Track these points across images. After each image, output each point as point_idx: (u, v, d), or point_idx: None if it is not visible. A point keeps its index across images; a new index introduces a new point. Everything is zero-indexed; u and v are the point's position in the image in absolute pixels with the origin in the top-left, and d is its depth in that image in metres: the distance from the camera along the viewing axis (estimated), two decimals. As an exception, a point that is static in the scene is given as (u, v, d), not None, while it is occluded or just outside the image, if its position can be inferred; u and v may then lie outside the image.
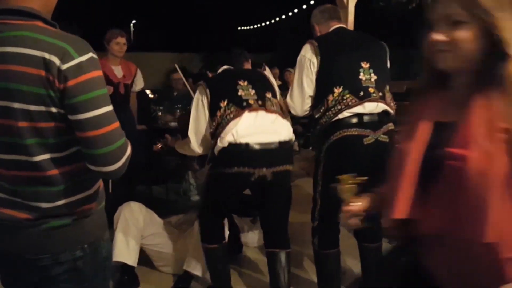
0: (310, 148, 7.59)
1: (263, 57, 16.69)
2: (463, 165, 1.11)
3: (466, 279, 1.19)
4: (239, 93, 2.68)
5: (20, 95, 1.28)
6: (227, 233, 3.02)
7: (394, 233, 1.36)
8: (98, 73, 1.34)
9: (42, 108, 1.29)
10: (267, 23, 24.03)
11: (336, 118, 2.55)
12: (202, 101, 2.70)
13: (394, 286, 1.46)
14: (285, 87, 8.16)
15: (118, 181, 3.95)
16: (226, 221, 3.04)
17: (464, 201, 1.13)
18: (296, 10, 21.18)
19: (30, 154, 1.32)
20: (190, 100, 5.93)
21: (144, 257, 3.27)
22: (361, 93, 2.54)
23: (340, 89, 2.54)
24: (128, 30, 22.99)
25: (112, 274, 2.92)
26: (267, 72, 4.31)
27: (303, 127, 7.67)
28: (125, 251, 2.99)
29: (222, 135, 2.59)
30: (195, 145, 2.78)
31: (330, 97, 2.56)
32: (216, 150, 2.61)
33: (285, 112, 2.82)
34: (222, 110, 2.63)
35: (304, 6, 20.05)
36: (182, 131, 3.23)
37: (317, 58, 2.57)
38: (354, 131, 2.54)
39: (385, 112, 2.62)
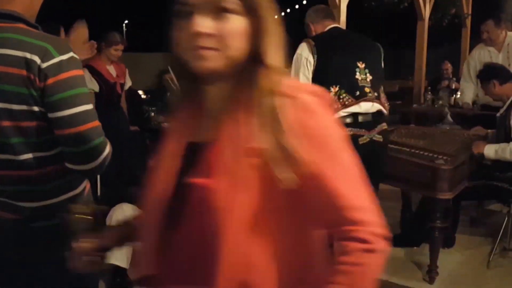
0: None
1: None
2: (205, 198, 0.87)
3: None
4: None
5: (2, 95, 1.29)
6: None
7: None
8: (79, 72, 1.36)
9: (24, 107, 1.31)
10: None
11: None
12: None
13: None
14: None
15: (109, 183, 3.94)
16: None
17: (203, 243, 0.89)
18: (288, 10, 21.20)
19: (16, 153, 1.33)
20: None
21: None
22: (357, 93, 2.54)
23: (337, 89, 2.53)
24: (121, 30, 22.90)
25: (104, 276, 2.90)
26: None
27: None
28: (117, 253, 2.96)
29: None
30: None
31: None
32: None
33: None
34: None
35: (297, 6, 20.07)
36: None
37: (313, 57, 2.57)
38: (349, 131, 2.54)
39: (379, 112, 2.63)
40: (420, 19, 7.11)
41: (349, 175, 0.94)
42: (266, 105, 0.89)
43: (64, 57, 1.32)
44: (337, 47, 2.64)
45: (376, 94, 2.61)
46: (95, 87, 3.88)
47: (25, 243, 1.39)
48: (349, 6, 4.42)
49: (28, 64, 1.28)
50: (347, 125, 2.54)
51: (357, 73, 2.58)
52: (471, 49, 8.87)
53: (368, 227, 0.89)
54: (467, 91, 4.97)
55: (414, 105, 6.65)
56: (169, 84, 6.27)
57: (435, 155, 3.19)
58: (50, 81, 1.29)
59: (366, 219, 0.89)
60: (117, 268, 2.99)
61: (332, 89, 2.53)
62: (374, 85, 2.61)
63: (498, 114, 3.56)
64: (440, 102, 6.34)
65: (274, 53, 0.93)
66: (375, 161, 2.71)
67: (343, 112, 2.54)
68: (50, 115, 1.32)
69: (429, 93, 6.52)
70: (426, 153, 3.25)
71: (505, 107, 3.51)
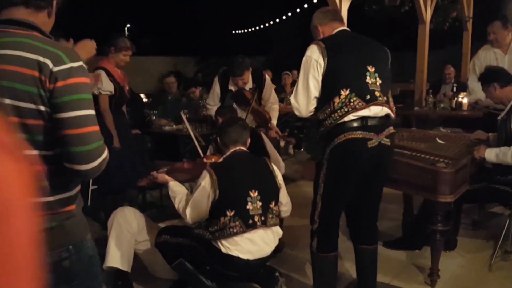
0: (302, 149, 7.60)
1: (258, 61, 16.70)
2: None
3: None
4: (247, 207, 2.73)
5: (12, 92, 1.38)
6: None
7: None
8: (86, 80, 1.46)
9: (32, 106, 1.40)
10: (262, 26, 24.06)
11: (342, 120, 2.53)
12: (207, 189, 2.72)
13: None
14: (281, 90, 8.18)
15: (105, 190, 3.94)
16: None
17: None
18: (290, 14, 21.22)
19: None
20: (184, 107, 5.92)
21: (138, 263, 3.25)
22: (368, 97, 2.53)
23: (347, 92, 2.51)
24: (123, 34, 22.98)
25: (106, 280, 2.90)
26: (267, 82, 4.29)
27: (297, 129, 7.69)
28: (118, 257, 2.97)
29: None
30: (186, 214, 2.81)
31: (337, 99, 2.52)
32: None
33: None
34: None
35: (298, 10, 20.08)
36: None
37: (324, 59, 2.54)
38: (358, 134, 2.53)
39: (387, 115, 2.63)
40: (421, 23, 7.12)
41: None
42: None
43: (75, 64, 1.42)
44: (347, 50, 2.61)
45: (385, 98, 2.60)
46: (111, 88, 3.89)
47: None
48: (350, 10, 4.43)
49: (40, 66, 1.38)
50: (356, 128, 2.52)
51: (368, 77, 2.56)
52: (472, 52, 8.87)
53: None
54: (478, 89, 4.93)
55: (416, 108, 6.66)
56: (169, 87, 6.31)
57: (437, 158, 3.19)
58: (59, 84, 1.39)
59: None
60: (119, 272, 3.00)
61: (342, 92, 2.51)
62: (383, 89, 2.60)
63: (499, 118, 3.56)
64: (442, 105, 6.35)
65: None
66: (382, 165, 2.71)
67: (353, 116, 2.51)
68: (55, 115, 1.41)
69: (431, 96, 6.53)
70: (427, 156, 3.25)
71: (506, 111, 3.51)
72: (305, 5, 18.57)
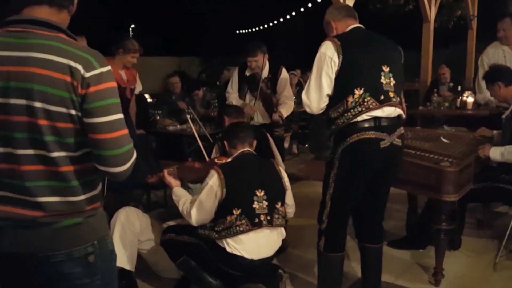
0: (306, 145, 7.60)
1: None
2: None
3: None
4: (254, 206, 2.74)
5: (44, 96, 1.40)
6: None
7: None
8: (114, 84, 1.50)
9: (64, 110, 1.42)
10: (265, 26, 24.05)
11: (355, 120, 2.51)
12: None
13: None
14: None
15: (114, 188, 3.95)
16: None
17: None
18: (294, 13, 21.21)
19: (48, 150, 1.43)
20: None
21: (142, 262, 3.27)
22: (382, 97, 2.50)
23: (361, 91, 2.49)
24: (127, 34, 23.01)
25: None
26: (283, 75, 4.29)
27: (300, 128, 7.69)
28: (122, 256, 2.98)
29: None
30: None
31: (350, 98, 2.49)
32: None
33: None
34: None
35: (302, 9, 20.07)
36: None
37: (338, 57, 2.50)
38: (371, 134, 2.51)
39: (399, 116, 2.61)
40: (426, 21, 7.10)
41: None
42: None
43: (104, 69, 1.46)
44: (363, 49, 2.57)
45: (398, 99, 2.58)
46: None
47: (51, 241, 1.48)
48: (354, 8, 4.42)
49: (72, 71, 1.40)
50: (369, 128, 2.51)
51: (382, 77, 2.53)
52: (477, 50, 8.84)
53: None
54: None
55: (420, 107, 6.64)
56: (173, 87, 6.31)
57: (441, 157, 3.18)
58: (91, 89, 1.42)
59: None
60: (123, 271, 3.01)
61: (356, 92, 2.48)
62: (397, 90, 2.57)
63: (503, 116, 3.55)
64: (446, 104, 6.33)
65: None
66: (393, 165, 2.71)
67: (366, 116, 2.49)
68: (87, 120, 1.44)
69: (435, 95, 6.51)
70: (431, 155, 3.24)
71: (510, 109, 3.50)
72: (309, 5, 18.56)
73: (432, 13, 7.13)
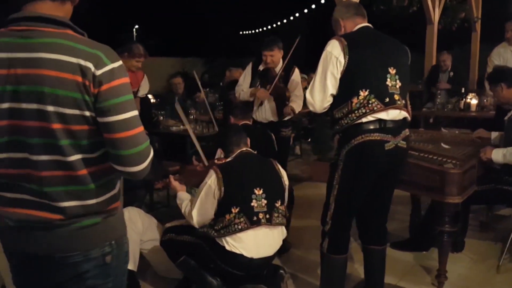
0: (309, 139, 7.59)
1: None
2: None
3: None
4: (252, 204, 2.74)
5: (55, 99, 1.34)
6: None
7: None
8: (127, 79, 1.43)
9: (77, 111, 1.36)
10: (269, 27, 24.05)
11: (359, 121, 2.49)
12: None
13: None
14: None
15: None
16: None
17: None
18: (297, 14, 21.20)
19: (65, 154, 1.38)
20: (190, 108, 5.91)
21: (144, 262, 3.27)
22: (387, 99, 2.49)
23: (366, 93, 2.47)
24: (131, 35, 23.04)
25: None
26: (296, 73, 4.27)
27: (303, 124, 7.67)
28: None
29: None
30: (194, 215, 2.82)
31: (355, 99, 2.47)
32: None
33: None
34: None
35: (306, 10, 20.07)
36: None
37: (344, 57, 2.48)
38: (376, 136, 2.50)
39: (404, 118, 2.60)
40: (430, 23, 7.10)
41: None
42: None
43: (115, 65, 1.39)
44: (369, 50, 2.54)
45: (404, 101, 2.56)
46: None
47: (68, 241, 1.45)
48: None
49: (83, 70, 1.34)
50: (374, 130, 2.50)
51: (388, 79, 2.51)
52: (481, 52, 8.82)
53: None
54: None
55: (424, 109, 6.63)
56: (176, 88, 6.32)
57: (444, 159, 3.17)
58: (104, 87, 1.36)
59: None
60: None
61: (361, 93, 2.47)
62: (403, 92, 2.56)
63: (506, 118, 3.54)
64: (449, 105, 6.32)
65: None
66: (398, 167, 2.70)
67: (371, 117, 2.48)
68: (101, 119, 1.38)
69: (439, 96, 6.50)
70: (435, 157, 3.23)
71: (514, 111, 3.49)
72: (313, 6, 18.56)
73: (436, 15, 7.12)
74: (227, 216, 2.70)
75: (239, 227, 2.69)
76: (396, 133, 2.55)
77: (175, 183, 3.06)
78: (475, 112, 5.98)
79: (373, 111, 2.47)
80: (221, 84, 8.19)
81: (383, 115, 2.49)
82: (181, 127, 5.44)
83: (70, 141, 1.38)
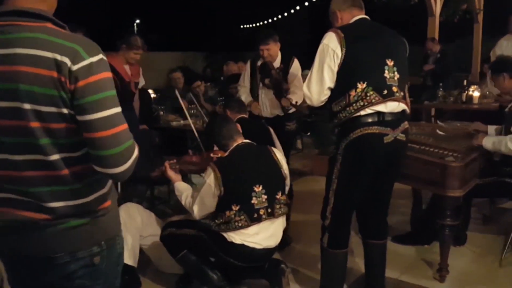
0: (309, 133, 7.56)
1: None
2: None
3: None
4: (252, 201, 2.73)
5: (32, 96, 1.28)
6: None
7: None
8: (108, 74, 1.35)
9: (54, 109, 1.30)
10: (270, 20, 23.98)
11: (357, 114, 2.47)
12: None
13: None
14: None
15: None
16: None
17: None
18: (298, 8, 21.12)
19: (45, 153, 1.33)
20: (190, 102, 5.90)
21: (144, 258, 3.26)
22: (385, 92, 2.46)
23: (364, 85, 2.44)
24: (132, 30, 23.02)
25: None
26: (295, 65, 4.24)
27: (304, 127, 7.64)
28: (125, 252, 2.96)
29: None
30: None
31: (353, 92, 2.45)
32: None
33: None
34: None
35: (306, 3, 19.98)
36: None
37: (341, 50, 2.45)
38: (375, 129, 2.48)
39: (403, 111, 2.57)
40: (431, 15, 7.05)
41: None
42: None
43: (94, 59, 1.31)
44: (367, 42, 2.51)
45: (402, 93, 2.53)
46: None
47: (54, 242, 1.41)
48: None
49: (58, 65, 1.27)
50: (373, 123, 2.47)
51: (386, 71, 2.48)
52: (483, 44, 8.77)
53: None
54: None
55: (425, 102, 6.60)
56: (176, 83, 6.29)
57: (445, 152, 3.15)
58: (80, 83, 1.29)
59: None
60: (125, 266, 3.00)
61: (359, 86, 2.44)
62: (401, 84, 2.53)
63: (506, 109, 3.51)
64: (451, 98, 6.28)
65: None
66: (397, 160, 2.68)
67: (369, 110, 2.46)
68: (80, 117, 1.31)
69: (440, 89, 6.46)
70: (436, 150, 3.21)
71: (514, 102, 3.47)
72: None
73: (437, 7, 7.07)
74: (227, 213, 2.69)
75: (239, 224, 2.69)
76: (395, 125, 2.53)
77: (171, 172, 3.04)
78: (477, 105, 5.94)
79: (371, 104, 2.44)
80: (221, 78, 8.17)
81: (381, 108, 2.47)
82: (182, 122, 5.42)
83: (50, 140, 1.33)
